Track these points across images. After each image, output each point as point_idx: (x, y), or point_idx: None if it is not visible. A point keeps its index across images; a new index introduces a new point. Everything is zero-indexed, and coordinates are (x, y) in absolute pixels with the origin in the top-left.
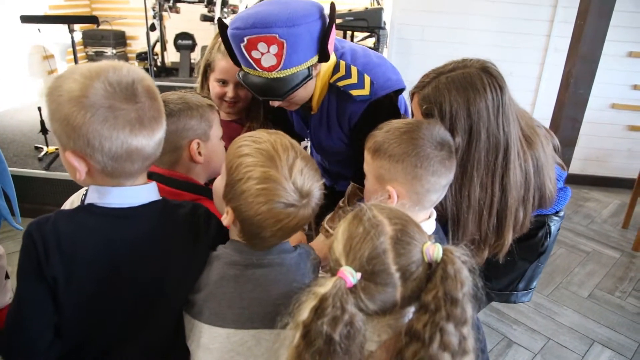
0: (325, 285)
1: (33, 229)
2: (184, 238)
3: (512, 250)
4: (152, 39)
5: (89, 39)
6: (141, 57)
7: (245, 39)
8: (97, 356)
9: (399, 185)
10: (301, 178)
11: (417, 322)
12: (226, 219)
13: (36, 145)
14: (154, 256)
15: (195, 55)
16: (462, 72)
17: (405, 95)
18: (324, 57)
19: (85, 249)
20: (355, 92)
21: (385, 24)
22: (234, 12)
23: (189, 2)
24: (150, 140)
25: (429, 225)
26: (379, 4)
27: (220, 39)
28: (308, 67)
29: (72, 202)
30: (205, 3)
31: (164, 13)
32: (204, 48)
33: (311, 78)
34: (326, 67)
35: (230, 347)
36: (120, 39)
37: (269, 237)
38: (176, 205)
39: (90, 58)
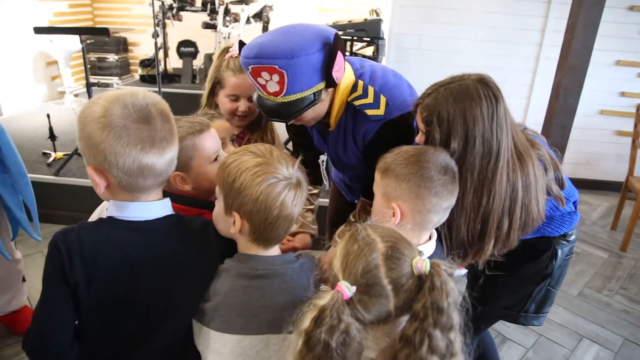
0: (324, 298)
1: (59, 239)
2: (195, 249)
3: (515, 267)
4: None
5: (92, 45)
6: (144, 64)
7: (250, 67)
8: (113, 357)
9: (403, 203)
10: (284, 162)
11: (408, 328)
12: (235, 226)
13: (44, 151)
14: (167, 264)
15: (197, 62)
16: (460, 84)
17: None
18: (330, 83)
19: (105, 257)
20: (370, 112)
21: (383, 34)
22: (235, 20)
23: (192, 11)
24: (160, 158)
25: (429, 247)
26: (377, 15)
27: (226, 57)
28: (314, 93)
29: (100, 212)
30: (207, 12)
31: (167, 21)
32: (206, 56)
33: (316, 103)
34: (344, 87)
35: (241, 351)
36: (122, 46)
37: (276, 221)
38: (188, 220)
39: (93, 64)
